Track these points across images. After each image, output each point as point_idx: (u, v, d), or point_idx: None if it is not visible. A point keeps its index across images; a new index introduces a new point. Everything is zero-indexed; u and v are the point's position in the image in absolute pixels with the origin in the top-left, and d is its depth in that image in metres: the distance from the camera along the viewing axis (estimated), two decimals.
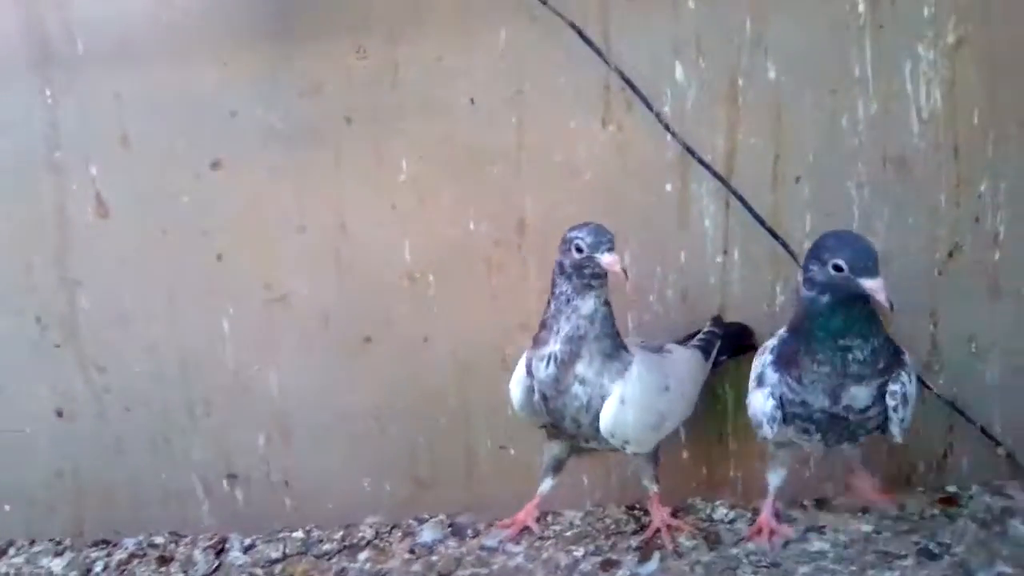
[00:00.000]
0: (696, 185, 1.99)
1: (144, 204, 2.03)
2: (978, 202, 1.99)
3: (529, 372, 1.76)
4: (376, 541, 2.03)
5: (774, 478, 1.85)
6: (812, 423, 1.65)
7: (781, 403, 1.66)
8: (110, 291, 2.07)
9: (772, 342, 1.73)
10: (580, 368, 1.69)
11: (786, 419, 1.67)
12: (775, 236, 1.96)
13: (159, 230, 2.04)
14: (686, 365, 1.87)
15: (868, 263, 1.50)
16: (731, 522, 2.01)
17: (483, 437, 2.05)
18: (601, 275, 1.66)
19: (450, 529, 2.05)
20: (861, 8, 1.91)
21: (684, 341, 1.96)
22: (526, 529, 1.96)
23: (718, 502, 2.09)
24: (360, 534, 2.06)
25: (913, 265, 2.00)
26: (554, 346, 1.70)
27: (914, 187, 1.98)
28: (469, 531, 2.03)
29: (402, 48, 1.94)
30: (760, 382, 1.68)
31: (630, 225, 1.99)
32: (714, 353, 1.94)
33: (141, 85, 1.97)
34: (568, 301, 1.69)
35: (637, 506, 2.08)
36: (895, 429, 1.67)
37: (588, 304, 1.68)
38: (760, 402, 1.67)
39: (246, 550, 2.03)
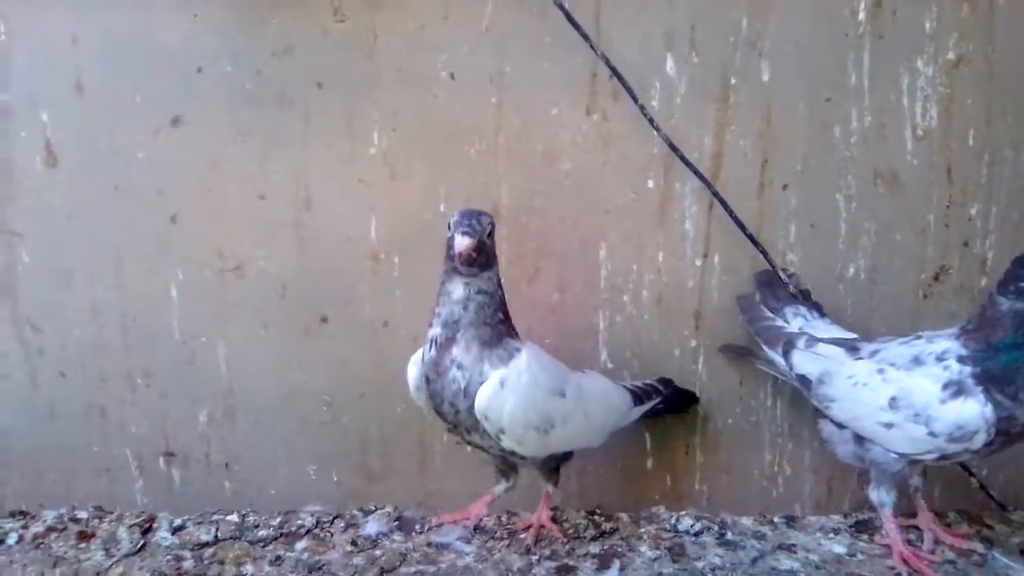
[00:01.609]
0: (680, 184, 1.91)
1: (97, 157, 1.91)
2: (968, 225, 1.92)
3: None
4: (316, 530, 1.92)
5: (889, 499, 1.74)
6: (1005, 436, 1.56)
7: None
8: (54, 247, 1.94)
9: (947, 347, 1.61)
10: (457, 353, 1.60)
11: None
12: (755, 243, 1.88)
13: (111, 185, 1.92)
14: (599, 391, 1.78)
15: None
16: (697, 534, 1.92)
17: (439, 430, 1.94)
18: (456, 258, 1.54)
19: (397, 523, 1.94)
20: (862, 16, 1.84)
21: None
22: (479, 527, 1.85)
23: (683, 513, 2.00)
24: (300, 522, 1.94)
25: (897, 285, 1.94)
26: (435, 329, 1.63)
27: (904, 205, 1.91)
28: (417, 526, 1.92)
29: (382, 14, 1.85)
30: (962, 392, 1.56)
31: (608, 220, 1.91)
32: (648, 405, 1.86)
33: (102, 30, 1.86)
34: (443, 284, 1.62)
35: (598, 511, 1.99)
36: None
37: (458, 289, 1.60)
38: (976, 411, 1.54)
39: (175, 531, 1.91)
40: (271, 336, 1.97)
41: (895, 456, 1.65)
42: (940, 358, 1.59)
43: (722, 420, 2.01)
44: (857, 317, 1.92)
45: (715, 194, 1.86)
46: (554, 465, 1.76)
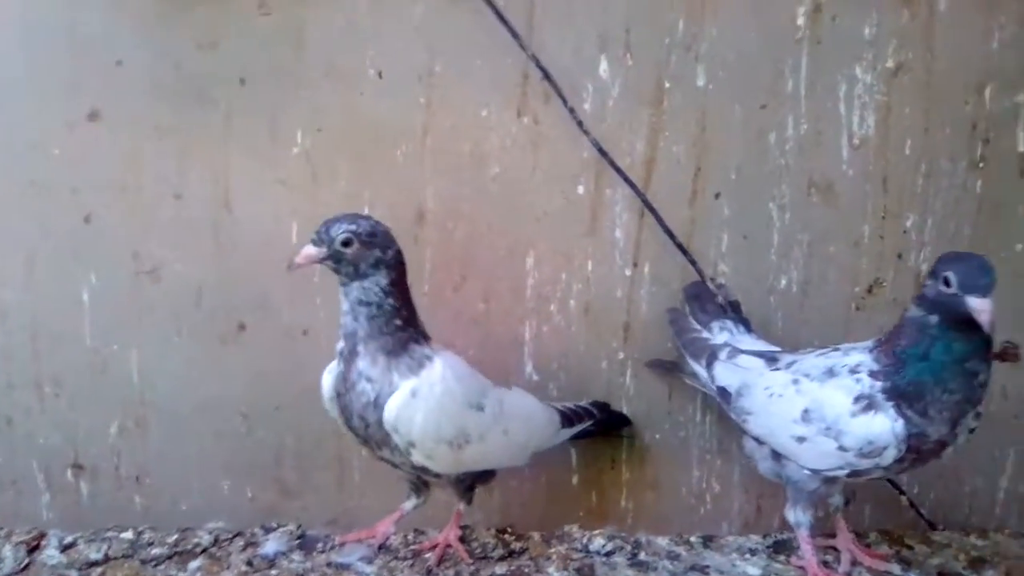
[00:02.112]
0: (611, 190, 1.85)
1: (8, 151, 1.82)
2: (903, 237, 1.88)
3: None
4: (214, 549, 1.82)
5: (805, 518, 1.67)
6: (916, 453, 1.50)
7: None
8: None
9: (860, 360, 1.54)
10: (363, 365, 1.53)
11: None
12: (684, 253, 1.83)
13: (25, 182, 1.83)
14: (523, 408, 1.71)
15: (979, 281, 1.37)
16: (608, 555, 1.85)
17: (358, 445, 1.85)
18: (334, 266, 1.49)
19: (299, 541, 1.85)
20: (800, 20, 1.80)
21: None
22: (384, 546, 1.77)
23: (596, 532, 1.94)
24: (197, 540, 1.84)
25: (830, 298, 1.89)
26: (340, 341, 1.57)
27: (838, 215, 1.87)
28: (320, 545, 1.83)
29: (309, 8, 1.78)
30: (873, 407, 1.48)
31: (537, 227, 1.85)
32: (578, 428, 1.80)
33: (18, 17, 1.76)
34: (341, 296, 1.55)
35: (509, 530, 1.91)
36: (949, 452, 1.55)
37: (343, 300, 1.54)
38: (885, 426, 1.47)
39: (64, 549, 1.80)
40: (186, 343, 1.89)
41: (808, 473, 1.59)
42: (853, 371, 1.53)
43: (650, 435, 1.95)
44: (788, 330, 1.88)
45: (644, 201, 1.81)
46: (469, 484, 1.68)
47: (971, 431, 1.53)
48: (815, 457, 1.55)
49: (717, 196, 1.86)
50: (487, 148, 1.83)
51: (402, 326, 1.51)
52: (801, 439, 1.54)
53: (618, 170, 1.80)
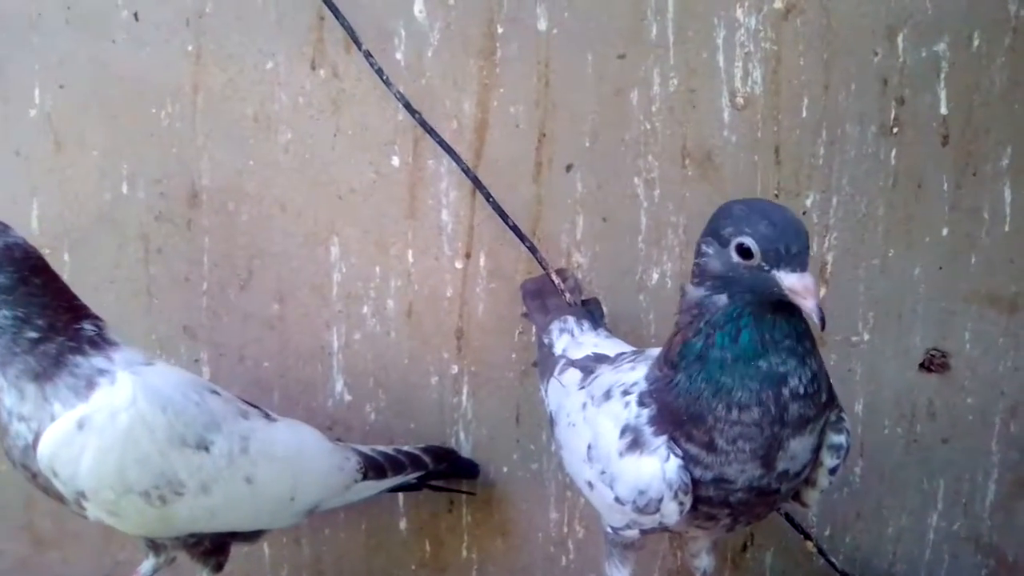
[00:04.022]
0: (434, 161, 1.48)
1: None
2: (803, 219, 1.49)
3: None
4: None
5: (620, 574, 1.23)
6: (727, 507, 1.04)
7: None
8: None
9: (629, 376, 1.10)
10: (8, 401, 1.11)
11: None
12: (521, 238, 1.45)
13: None
14: (286, 449, 1.27)
15: (792, 247, 0.94)
16: None
17: None
18: None
19: None
20: None
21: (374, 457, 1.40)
22: None
23: None
24: None
25: None
26: None
27: (721, 192, 1.51)
28: None
29: None
30: (638, 443, 1.03)
31: (341, 208, 1.49)
32: (393, 481, 1.39)
33: None
34: None
35: None
36: (813, 496, 1.12)
37: None
38: (653, 468, 1.01)
39: None
40: None
41: (609, 530, 1.19)
42: (627, 391, 1.08)
43: (495, 469, 1.57)
44: (662, 335, 1.48)
45: (466, 171, 1.43)
46: (208, 548, 1.26)
47: (831, 471, 1.11)
48: (605, 510, 1.15)
49: (568, 168, 1.48)
50: (275, 109, 1.46)
51: (41, 337, 1.10)
52: (590, 484, 1.14)
53: (433, 133, 1.42)
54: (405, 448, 1.44)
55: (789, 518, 1.57)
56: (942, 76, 1.51)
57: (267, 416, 1.27)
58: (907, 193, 1.53)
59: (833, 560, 1.60)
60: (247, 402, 1.27)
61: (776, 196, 1.53)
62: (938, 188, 1.54)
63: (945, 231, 1.56)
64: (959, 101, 1.51)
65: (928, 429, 1.64)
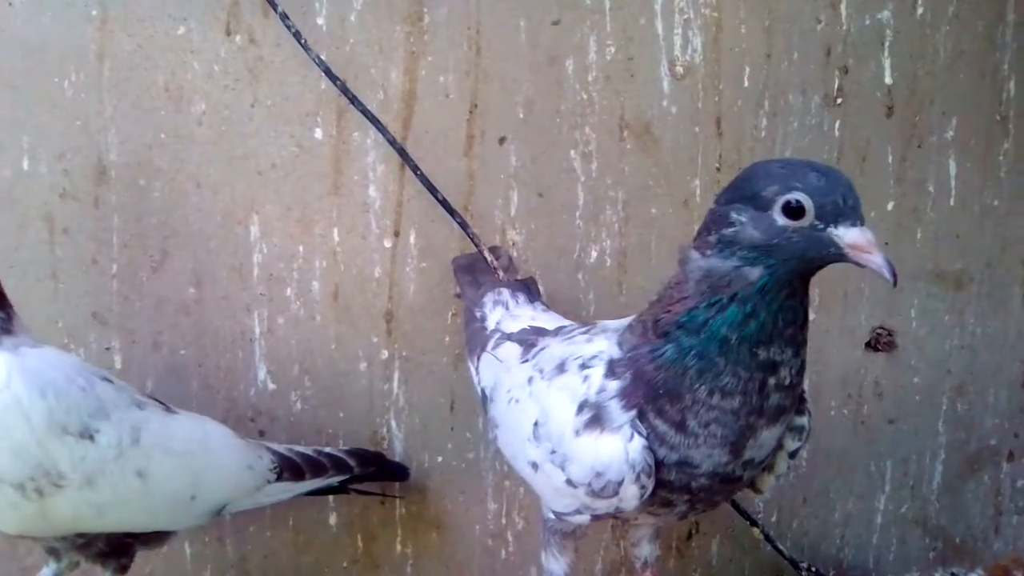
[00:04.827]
0: (359, 134, 1.40)
1: None
2: None
3: None
4: None
5: (558, 566, 1.15)
6: (687, 492, 0.97)
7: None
8: None
9: (601, 347, 1.01)
10: None
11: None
12: (452, 214, 1.38)
13: None
14: (186, 442, 1.17)
15: (848, 199, 0.84)
16: None
17: None
18: None
19: None
20: None
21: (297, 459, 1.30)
22: None
23: None
24: None
25: (655, 272, 1.47)
26: None
27: (661, 166, 1.45)
28: None
29: None
30: (599, 420, 0.95)
31: (261, 183, 1.40)
32: (312, 484, 1.29)
33: None
34: None
35: None
36: (768, 482, 1.06)
37: None
38: (615, 448, 0.93)
39: None
40: None
41: (552, 515, 1.11)
42: (585, 364, 1.00)
43: (429, 457, 1.49)
44: (602, 314, 1.43)
45: (393, 144, 1.36)
46: (102, 550, 1.16)
47: (791, 454, 1.05)
48: (551, 493, 1.07)
49: (502, 141, 1.41)
50: (188, 78, 1.36)
51: None
52: (535, 465, 1.06)
53: (356, 102, 1.34)
54: (327, 450, 1.34)
55: (735, 504, 1.51)
56: (886, 45, 1.47)
57: (167, 408, 1.17)
58: (852, 166, 1.49)
59: (780, 547, 1.55)
60: (153, 398, 1.18)
61: (718, 169, 1.48)
62: (883, 161, 1.50)
63: (891, 205, 1.52)
64: (904, 71, 1.47)
65: (875, 410, 1.60)
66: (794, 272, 0.88)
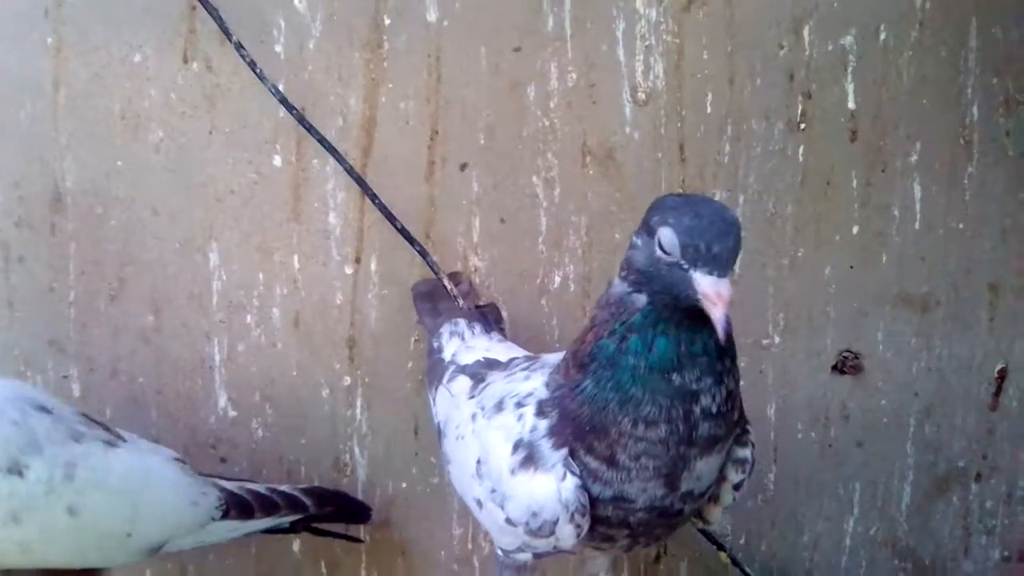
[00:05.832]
0: (319, 161, 1.39)
1: None
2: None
3: None
4: None
5: None
6: (626, 528, 0.97)
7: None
8: None
9: (523, 386, 1.02)
10: None
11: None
12: (411, 241, 1.37)
13: None
14: (126, 478, 1.14)
15: (714, 246, 0.84)
16: None
17: None
18: None
19: None
20: None
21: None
22: None
23: None
24: None
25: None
26: None
27: (623, 192, 1.45)
28: None
29: None
30: (534, 461, 0.95)
31: (220, 211, 1.40)
32: (264, 523, 1.27)
33: None
34: None
35: None
36: (715, 514, 1.06)
37: None
38: (548, 487, 0.93)
39: None
40: None
41: (500, 552, 1.11)
42: (520, 403, 0.99)
43: (393, 484, 1.48)
44: (566, 341, 1.41)
45: (350, 171, 1.35)
46: None
47: (735, 486, 1.05)
48: (496, 531, 1.07)
49: (463, 168, 1.40)
50: (145, 106, 1.37)
51: None
52: (479, 503, 1.06)
53: (313, 132, 1.33)
54: (282, 488, 1.31)
55: (703, 530, 1.51)
56: (849, 70, 1.46)
57: (109, 441, 1.15)
58: (816, 191, 1.48)
59: (748, 571, 1.55)
60: (102, 424, 1.16)
61: None
62: (847, 185, 1.49)
63: (855, 229, 1.51)
64: (867, 96, 1.46)
65: (842, 432, 1.59)
66: (669, 305, 0.88)
